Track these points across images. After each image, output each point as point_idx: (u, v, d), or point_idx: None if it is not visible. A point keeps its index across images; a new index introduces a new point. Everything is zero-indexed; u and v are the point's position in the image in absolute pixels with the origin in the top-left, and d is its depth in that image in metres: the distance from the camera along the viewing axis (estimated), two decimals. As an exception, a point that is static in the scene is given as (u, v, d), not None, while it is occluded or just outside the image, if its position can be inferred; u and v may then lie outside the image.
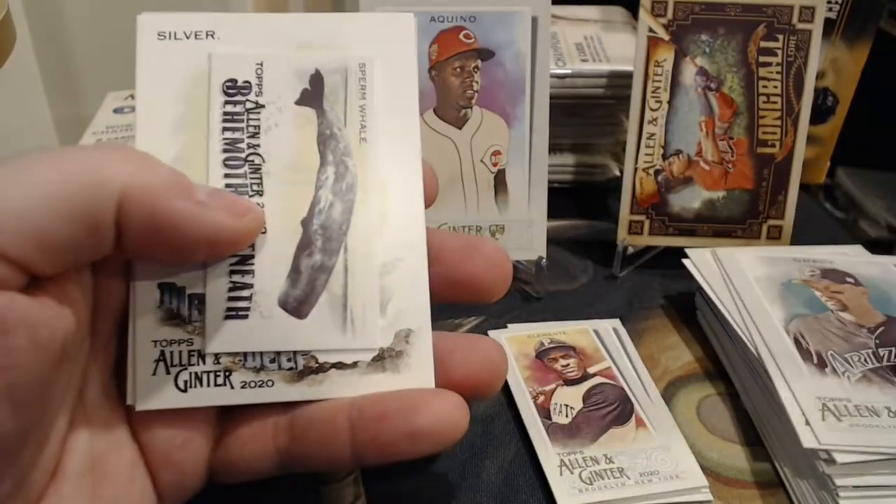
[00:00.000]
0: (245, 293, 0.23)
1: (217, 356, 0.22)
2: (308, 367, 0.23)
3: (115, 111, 0.47)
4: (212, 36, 0.24)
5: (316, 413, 0.23)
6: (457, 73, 0.38)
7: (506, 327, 0.37)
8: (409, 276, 0.23)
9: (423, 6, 0.38)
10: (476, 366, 0.23)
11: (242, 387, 0.23)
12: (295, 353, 0.23)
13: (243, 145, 0.23)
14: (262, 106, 0.24)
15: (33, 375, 0.18)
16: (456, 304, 0.38)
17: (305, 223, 0.23)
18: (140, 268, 0.22)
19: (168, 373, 0.22)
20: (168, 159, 0.23)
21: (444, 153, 0.38)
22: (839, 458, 0.27)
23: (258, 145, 0.23)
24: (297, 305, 0.23)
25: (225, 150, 0.23)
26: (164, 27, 0.24)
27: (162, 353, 0.22)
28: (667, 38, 0.40)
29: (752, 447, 0.31)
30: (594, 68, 0.46)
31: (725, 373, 0.35)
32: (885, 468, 0.27)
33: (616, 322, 0.37)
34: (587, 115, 0.47)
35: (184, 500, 0.23)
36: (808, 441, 0.28)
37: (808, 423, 0.28)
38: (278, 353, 0.23)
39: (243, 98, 0.24)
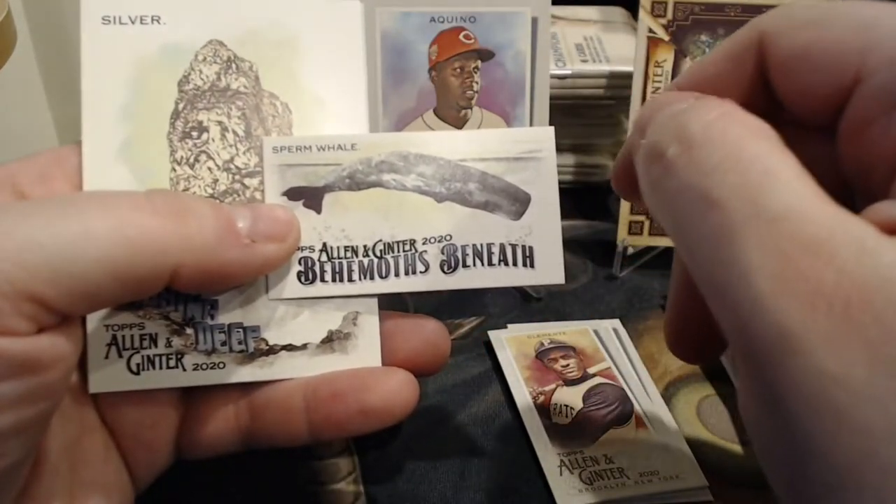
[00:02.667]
0: None
1: (168, 339, 0.23)
2: (258, 349, 0.24)
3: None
4: (157, 21, 0.24)
5: (273, 393, 0.24)
6: (457, 74, 0.38)
7: (506, 327, 0.37)
8: None
9: (423, 6, 0.38)
10: (417, 346, 0.24)
11: (194, 369, 0.23)
12: (245, 335, 0.23)
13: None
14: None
15: (58, 399, 0.19)
16: (455, 304, 0.38)
17: None
18: None
19: (120, 356, 0.23)
20: (114, 147, 0.23)
21: (444, 153, 0.38)
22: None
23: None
24: None
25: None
26: (109, 11, 0.24)
27: (114, 336, 0.23)
28: (667, 38, 0.40)
29: (752, 447, 0.31)
30: (594, 69, 0.46)
31: (725, 373, 0.35)
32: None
33: (616, 322, 0.37)
34: (587, 116, 0.47)
35: (155, 476, 0.24)
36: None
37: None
38: (229, 336, 0.23)
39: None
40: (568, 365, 0.34)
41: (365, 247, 0.24)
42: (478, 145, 0.25)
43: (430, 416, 0.32)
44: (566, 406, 0.32)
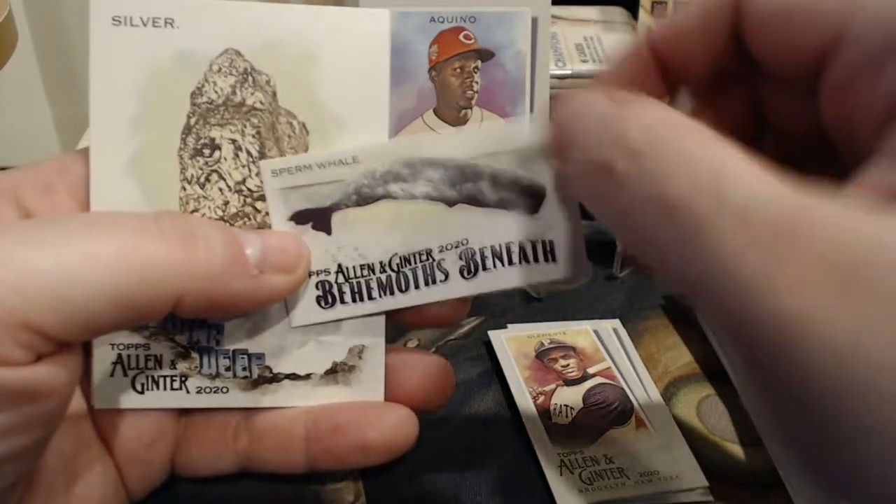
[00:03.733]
0: None
1: (173, 361, 0.23)
2: (262, 376, 0.23)
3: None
4: (171, 24, 0.22)
5: (273, 420, 0.24)
6: (457, 74, 0.38)
7: (506, 327, 0.37)
8: None
9: (423, 6, 0.38)
10: (420, 383, 0.24)
11: (198, 392, 0.23)
12: (250, 362, 0.23)
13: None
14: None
15: (55, 425, 0.19)
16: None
17: None
18: None
19: (125, 375, 0.23)
20: (124, 160, 0.22)
21: (444, 153, 0.38)
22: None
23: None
24: None
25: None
26: (120, 11, 0.22)
27: (119, 356, 0.23)
28: (667, 38, 0.40)
29: (752, 447, 0.31)
30: (594, 69, 0.46)
31: (725, 373, 0.35)
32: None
33: (616, 322, 0.37)
34: (587, 116, 0.47)
35: (150, 491, 0.24)
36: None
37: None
38: (234, 362, 0.23)
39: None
40: (568, 365, 0.34)
41: (381, 263, 0.23)
42: (484, 140, 0.24)
43: (429, 417, 0.32)
44: (566, 406, 0.32)
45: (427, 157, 0.23)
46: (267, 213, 0.23)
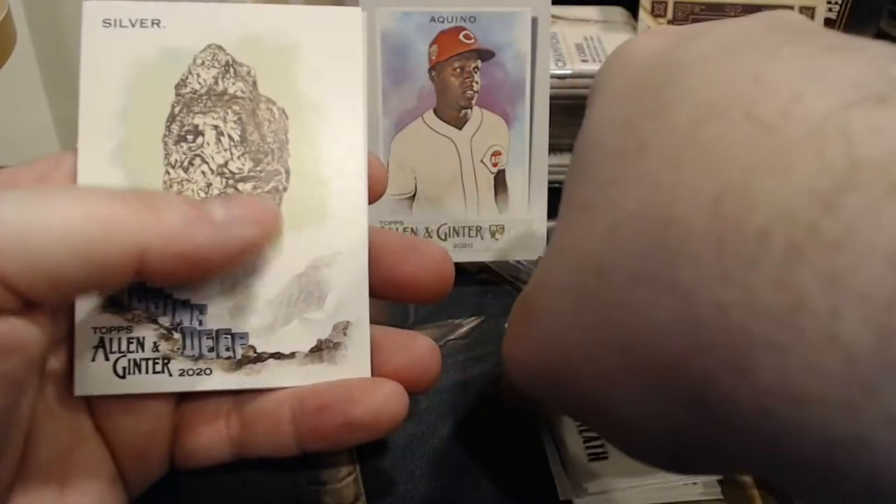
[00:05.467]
0: None
1: (155, 343, 0.23)
2: (246, 356, 0.23)
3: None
4: (157, 24, 0.24)
5: (261, 404, 0.24)
6: (457, 74, 0.38)
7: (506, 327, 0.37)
8: (349, 270, 0.24)
9: (423, 6, 0.38)
10: (405, 362, 0.24)
11: (180, 374, 0.23)
12: (234, 341, 0.23)
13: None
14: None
15: (19, 392, 0.19)
16: (455, 304, 0.38)
17: None
18: None
19: (107, 359, 0.23)
20: (109, 150, 0.23)
21: (443, 153, 0.38)
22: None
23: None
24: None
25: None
26: (110, 14, 0.24)
27: (101, 339, 0.23)
28: (667, 38, 0.40)
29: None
30: (594, 69, 0.46)
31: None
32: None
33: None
34: (587, 116, 0.47)
35: (150, 484, 0.24)
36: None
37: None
38: (217, 342, 0.23)
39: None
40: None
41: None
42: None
43: (430, 417, 0.32)
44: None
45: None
46: (249, 195, 0.24)
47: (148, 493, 0.25)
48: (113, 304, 0.23)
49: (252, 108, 0.24)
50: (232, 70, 0.24)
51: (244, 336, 0.23)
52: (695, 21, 0.40)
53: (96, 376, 0.23)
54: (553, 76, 0.44)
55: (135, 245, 0.19)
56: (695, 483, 0.29)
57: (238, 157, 0.24)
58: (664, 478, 0.29)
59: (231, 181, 0.24)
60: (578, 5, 0.54)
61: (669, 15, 0.40)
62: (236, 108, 0.24)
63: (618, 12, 0.54)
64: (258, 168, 0.24)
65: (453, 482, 0.29)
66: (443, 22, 0.38)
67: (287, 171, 0.24)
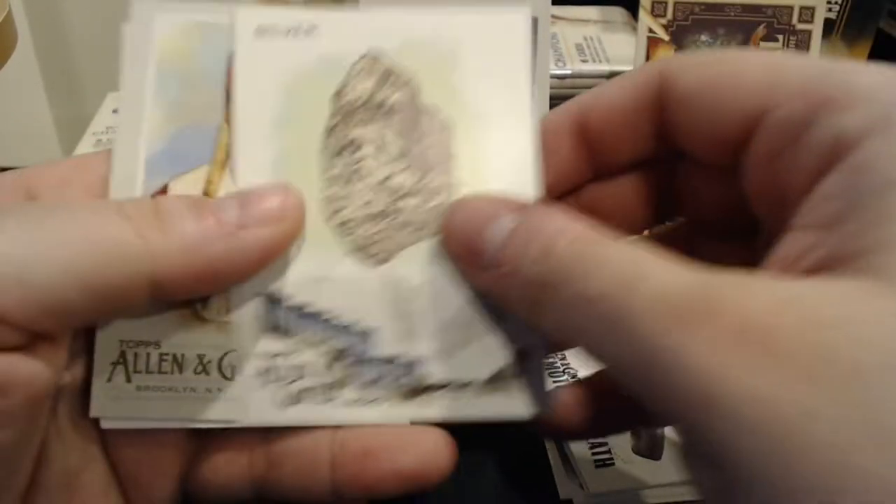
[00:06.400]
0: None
1: (322, 371, 0.21)
2: (418, 385, 0.21)
3: (116, 112, 0.47)
4: (313, 32, 0.23)
5: (296, 442, 0.22)
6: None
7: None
8: None
9: (422, 6, 0.38)
10: (409, 464, 0.21)
11: (347, 405, 0.21)
12: (405, 369, 0.21)
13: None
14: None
15: (27, 426, 0.18)
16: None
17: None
18: None
19: (273, 387, 0.21)
20: (266, 165, 0.22)
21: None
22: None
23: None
24: None
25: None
26: (264, 22, 0.22)
27: (267, 367, 0.21)
28: (667, 38, 0.40)
29: None
30: (594, 69, 0.46)
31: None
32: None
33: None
34: (587, 116, 0.47)
35: None
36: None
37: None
38: (387, 370, 0.21)
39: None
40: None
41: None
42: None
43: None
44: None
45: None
46: (412, 212, 0.22)
47: None
48: (277, 328, 0.21)
49: (414, 118, 0.22)
50: (391, 79, 0.23)
51: (415, 363, 0.21)
52: (694, 21, 0.40)
53: (261, 406, 0.21)
54: (553, 76, 0.44)
55: (141, 271, 0.18)
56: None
57: (400, 172, 0.22)
58: (669, 481, 0.29)
59: (392, 197, 0.22)
60: (578, 5, 0.54)
61: (669, 15, 0.40)
62: (396, 119, 0.22)
63: (618, 12, 0.55)
64: (422, 183, 0.22)
65: (454, 482, 0.29)
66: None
67: (453, 186, 0.22)
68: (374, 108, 0.22)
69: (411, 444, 0.21)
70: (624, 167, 0.23)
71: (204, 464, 0.22)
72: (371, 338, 0.21)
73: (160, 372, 0.21)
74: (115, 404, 0.21)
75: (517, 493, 0.29)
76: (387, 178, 0.22)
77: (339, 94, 0.22)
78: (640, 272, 0.16)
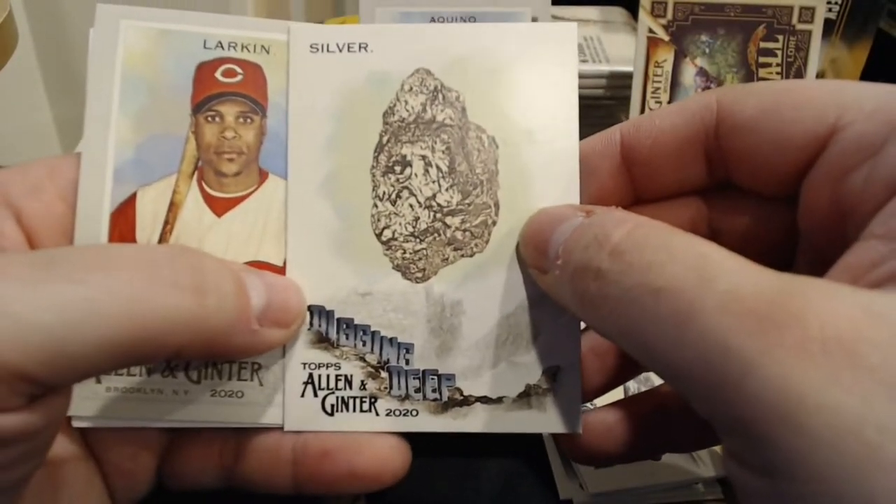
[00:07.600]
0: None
1: (363, 382, 0.22)
2: (453, 398, 0.22)
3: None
4: (365, 48, 0.23)
5: (263, 440, 0.23)
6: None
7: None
8: (560, 311, 0.22)
9: (423, 6, 0.38)
10: (363, 465, 0.23)
11: (387, 414, 0.22)
12: (440, 382, 0.22)
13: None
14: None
15: (28, 467, 0.18)
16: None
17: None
18: None
19: (316, 395, 0.22)
20: (318, 180, 0.22)
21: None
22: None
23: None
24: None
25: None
26: (317, 38, 0.23)
27: (310, 375, 0.23)
28: (667, 38, 0.40)
29: None
30: (594, 69, 0.46)
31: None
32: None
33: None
34: (587, 116, 0.47)
35: (136, 500, 0.24)
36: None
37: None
38: (423, 383, 0.22)
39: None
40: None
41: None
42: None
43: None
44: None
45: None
46: (457, 230, 0.23)
47: None
48: (322, 339, 0.22)
49: (461, 136, 0.23)
50: (440, 96, 0.23)
51: (451, 378, 0.22)
52: (694, 21, 0.40)
53: (306, 412, 0.22)
54: (553, 76, 0.44)
55: (174, 346, 0.18)
56: (697, 483, 0.29)
57: (446, 190, 0.23)
58: (669, 481, 0.29)
59: (439, 215, 0.23)
60: (578, 5, 0.54)
61: (669, 15, 0.40)
62: (445, 136, 0.23)
63: (618, 12, 0.55)
64: (466, 201, 0.23)
65: (454, 482, 0.29)
66: (443, 21, 0.38)
67: (497, 204, 0.22)
68: (423, 125, 0.23)
69: (367, 447, 0.22)
70: (667, 194, 0.23)
71: (178, 456, 0.23)
72: (410, 351, 0.22)
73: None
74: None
75: (517, 492, 0.29)
76: (433, 195, 0.23)
77: (389, 111, 0.23)
78: (711, 268, 0.15)
